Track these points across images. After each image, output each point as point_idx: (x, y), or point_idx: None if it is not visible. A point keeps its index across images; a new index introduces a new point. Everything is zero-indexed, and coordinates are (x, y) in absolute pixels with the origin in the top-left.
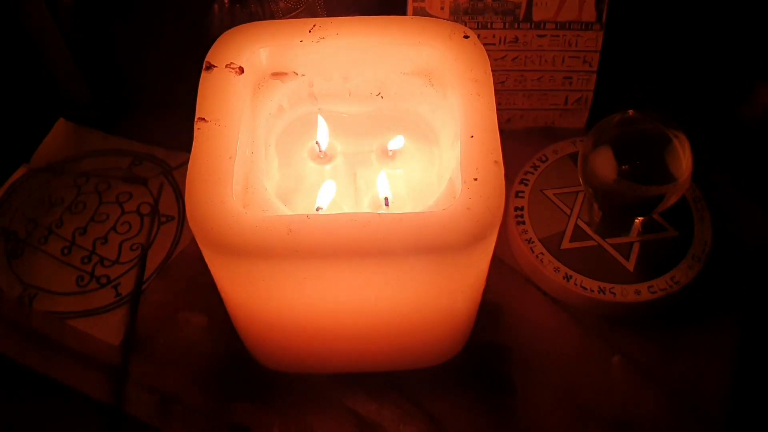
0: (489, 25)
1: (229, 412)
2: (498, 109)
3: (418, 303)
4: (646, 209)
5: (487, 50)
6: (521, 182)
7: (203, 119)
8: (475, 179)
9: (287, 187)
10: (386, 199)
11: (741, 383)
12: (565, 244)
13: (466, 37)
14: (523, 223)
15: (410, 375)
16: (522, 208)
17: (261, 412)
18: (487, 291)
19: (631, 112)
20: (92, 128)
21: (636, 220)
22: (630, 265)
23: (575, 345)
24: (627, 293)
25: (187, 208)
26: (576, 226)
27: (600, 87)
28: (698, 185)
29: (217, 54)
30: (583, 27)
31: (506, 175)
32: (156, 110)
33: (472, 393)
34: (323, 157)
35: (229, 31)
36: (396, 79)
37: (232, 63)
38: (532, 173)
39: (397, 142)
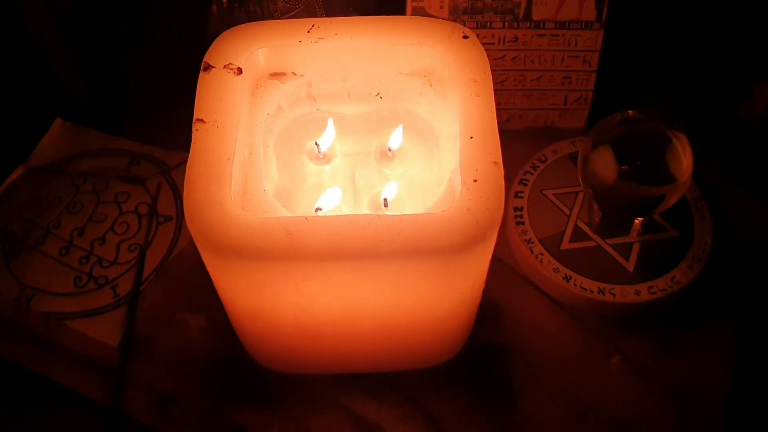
0: (488, 25)
1: (228, 412)
2: (497, 109)
3: (418, 304)
4: (646, 210)
5: (486, 50)
6: (521, 182)
7: (201, 120)
8: (475, 180)
9: (286, 188)
10: (385, 200)
11: (741, 384)
12: (565, 245)
13: (466, 37)
14: (523, 223)
15: (409, 375)
16: (521, 209)
17: (260, 413)
18: (486, 291)
19: (631, 112)
20: (90, 128)
21: (636, 221)
22: (630, 266)
23: (575, 345)
24: (627, 294)
25: (185, 209)
26: (576, 226)
27: (600, 87)
28: (698, 185)
29: (215, 54)
30: (583, 26)
31: (505, 175)
32: (154, 110)
33: (472, 393)
34: (322, 157)
35: (228, 31)
36: (395, 80)
37: (230, 63)
38: (532, 173)
39: (397, 138)
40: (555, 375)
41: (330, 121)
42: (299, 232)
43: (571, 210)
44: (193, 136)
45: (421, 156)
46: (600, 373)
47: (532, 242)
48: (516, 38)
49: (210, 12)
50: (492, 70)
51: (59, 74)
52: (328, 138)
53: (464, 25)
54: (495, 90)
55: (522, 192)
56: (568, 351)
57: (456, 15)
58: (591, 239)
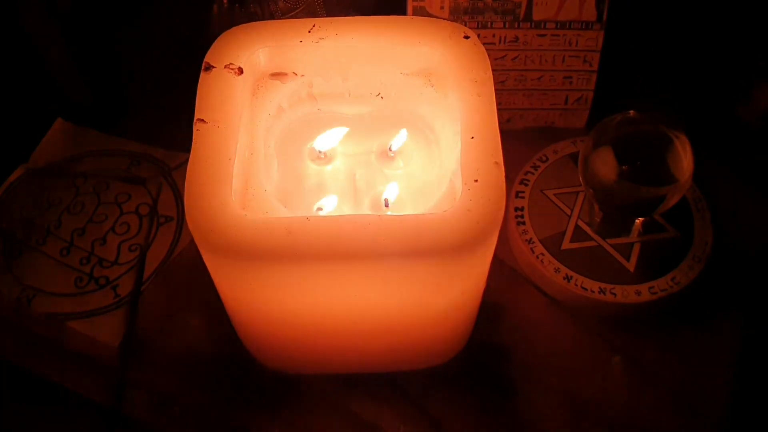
0: (489, 25)
1: (229, 413)
2: (498, 109)
3: (418, 304)
4: (647, 210)
5: (487, 50)
6: (521, 182)
7: (202, 120)
8: (476, 180)
9: (287, 189)
10: (386, 200)
11: (741, 384)
12: (566, 245)
13: (467, 37)
14: (524, 223)
15: (410, 375)
16: (522, 209)
17: (261, 414)
18: (487, 291)
19: (631, 112)
20: (91, 128)
21: (636, 221)
22: (630, 266)
23: (575, 346)
24: (627, 294)
25: (186, 210)
26: (576, 226)
27: (600, 87)
28: (699, 186)
29: (216, 54)
30: (584, 26)
31: (506, 175)
32: (155, 110)
33: (472, 393)
34: (323, 158)
35: (228, 31)
36: (396, 80)
37: (231, 63)
38: (533, 173)
39: (400, 138)
40: (555, 375)
41: (339, 129)
42: (300, 232)
43: (571, 210)
44: (193, 137)
45: (421, 156)
46: (601, 373)
47: (533, 242)
48: (517, 38)
49: (210, 12)
50: (493, 70)
51: (59, 75)
52: (331, 139)
53: (465, 26)
54: (496, 90)
55: (523, 192)
56: (568, 351)
57: (457, 15)
58: (592, 239)
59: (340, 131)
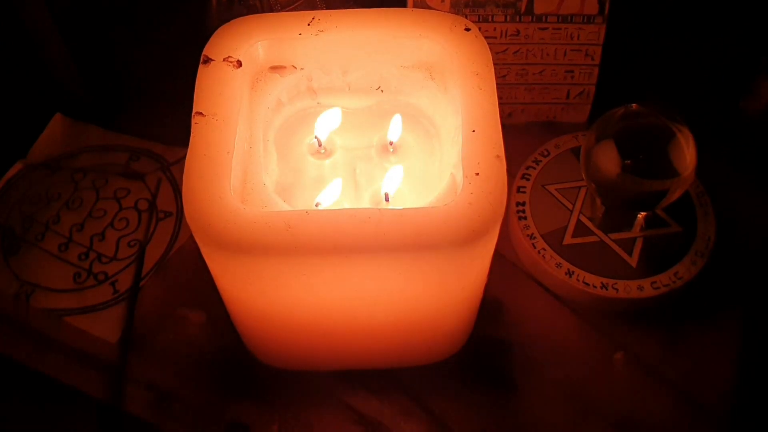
0: (490, 18)
1: (228, 409)
2: (499, 103)
3: (419, 299)
4: (649, 204)
5: (488, 43)
6: (523, 177)
7: (201, 114)
8: (477, 174)
9: (286, 183)
10: (386, 194)
11: (744, 379)
12: (567, 240)
13: (467, 29)
14: (525, 218)
15: (411, 371)
16: (524, 203)
17: (260, 410)
18: (488, 287)
19: (634, 105)
20: (89, 123)
21: (639, 216)
22: (633, 261)
23: (577, 341)
24: (629, 289)
25: (184, 204)
26: (578, 221)
27: (602, 81)
28: (702, 180)
29: (215, 47)
30: (585, 20)
31: (508, 170)
32: (153, 105)
33: (474, 389)
34: (323, 152)
35: (227, 24)
36: (396, 73)
37: (229, 56)
38: (534, 168)
39: (395, 128)
40: (557, 371)
41: (329, 113)
42: (299, 226)
43: (573, 205)
44: (192, 130)
45: (422, 150)
46: (603, 368)
47: (535, 237)
48: (518, 32)
49: (209, 5)
50: (494, 64)
51: (57, 70)
52: (324, 128)
53: (466, 19)
54: (497, 84)
55: (524, 187)
56: (570, 347)
57: (458, 9)
58: (594, 234)
59: (335, 114)
